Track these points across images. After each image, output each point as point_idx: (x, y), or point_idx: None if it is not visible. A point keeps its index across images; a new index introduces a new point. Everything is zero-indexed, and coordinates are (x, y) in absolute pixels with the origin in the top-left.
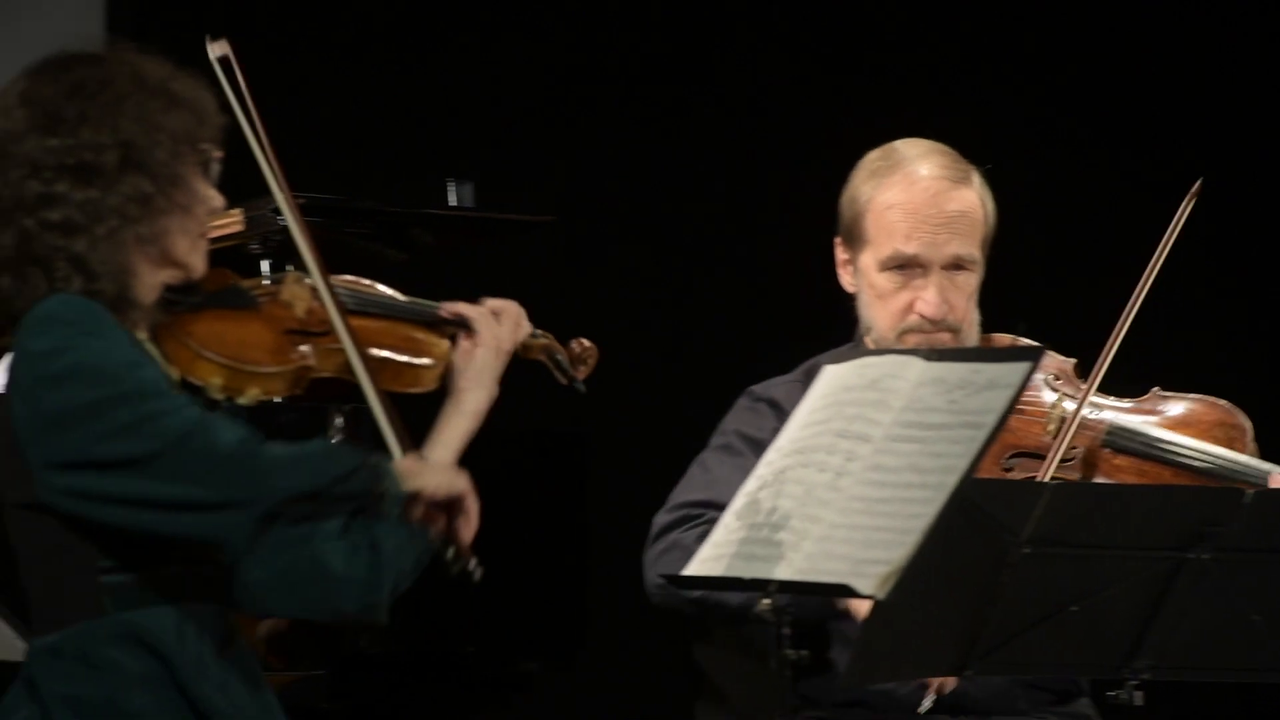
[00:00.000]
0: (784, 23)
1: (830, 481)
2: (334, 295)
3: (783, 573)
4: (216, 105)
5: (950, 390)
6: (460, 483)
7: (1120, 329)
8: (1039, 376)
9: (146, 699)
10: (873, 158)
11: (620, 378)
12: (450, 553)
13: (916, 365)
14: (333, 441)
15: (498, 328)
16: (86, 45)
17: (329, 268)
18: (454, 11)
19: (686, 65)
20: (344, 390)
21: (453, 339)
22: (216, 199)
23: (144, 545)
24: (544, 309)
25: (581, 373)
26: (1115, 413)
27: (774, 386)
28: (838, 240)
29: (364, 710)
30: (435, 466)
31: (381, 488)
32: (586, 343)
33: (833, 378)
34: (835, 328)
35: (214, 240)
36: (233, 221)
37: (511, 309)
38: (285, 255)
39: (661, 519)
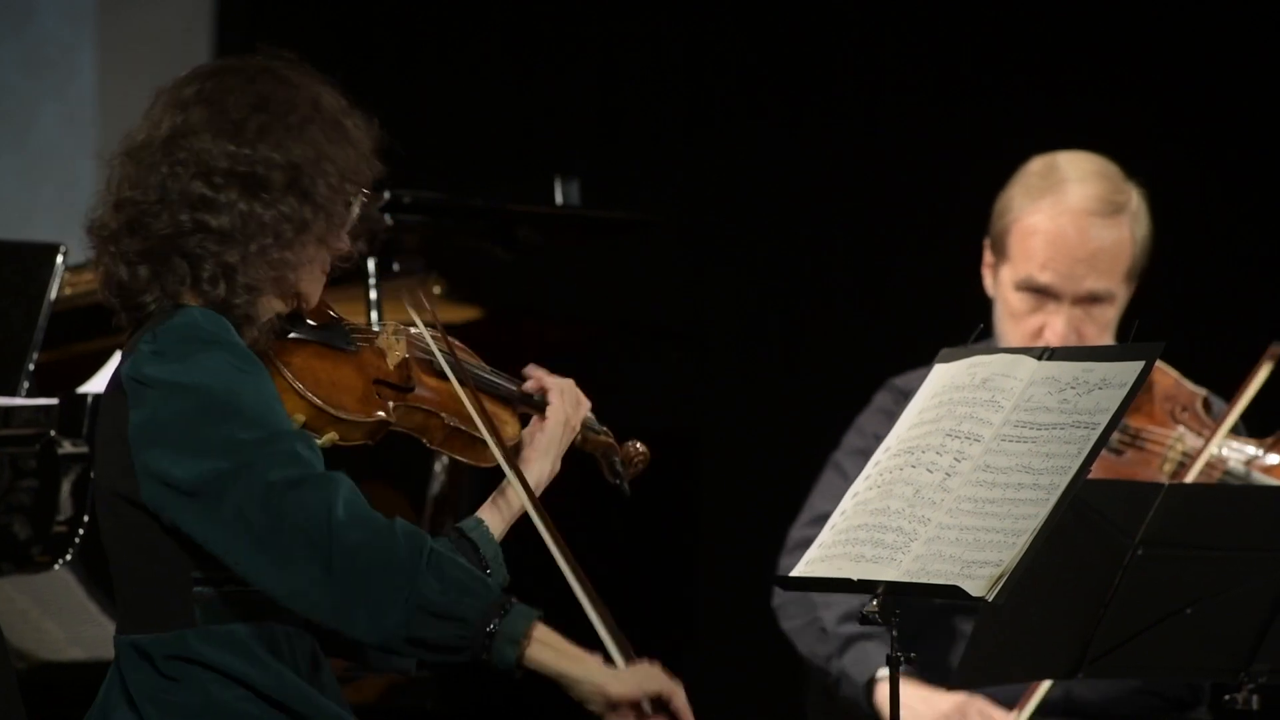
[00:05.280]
0: (902, 19)
1: (939, 482)
2: (462, 368)
3: (891, 574)
4: (377, 149)
5: (1062, 389)
6: (660, 682)
7: (1258, 373)
8: (1165, 407)
9: (241, 706)
10: (1032, 171)
11: (731, 379)
12: None
13: (1028, 364)
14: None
15: (567, 403)
16: (272, 60)
17: (432, 266)
18: (561, 8)
19: (802, 59)
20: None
21: (524, 417)
22: (348, 243)
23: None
24: (651, 310)
25: (630, 474)
26: (1236, 454)
27: (916, 379)
28: (986, 242)
29: (470, 712)
30: (635, 670)
31: (499, 627)
32: (641, 447)
33: (943, 377)
34: (964, 324)
35: None
36: None
37: (571, 386)
38: (389, 252)
39: (797, 533)
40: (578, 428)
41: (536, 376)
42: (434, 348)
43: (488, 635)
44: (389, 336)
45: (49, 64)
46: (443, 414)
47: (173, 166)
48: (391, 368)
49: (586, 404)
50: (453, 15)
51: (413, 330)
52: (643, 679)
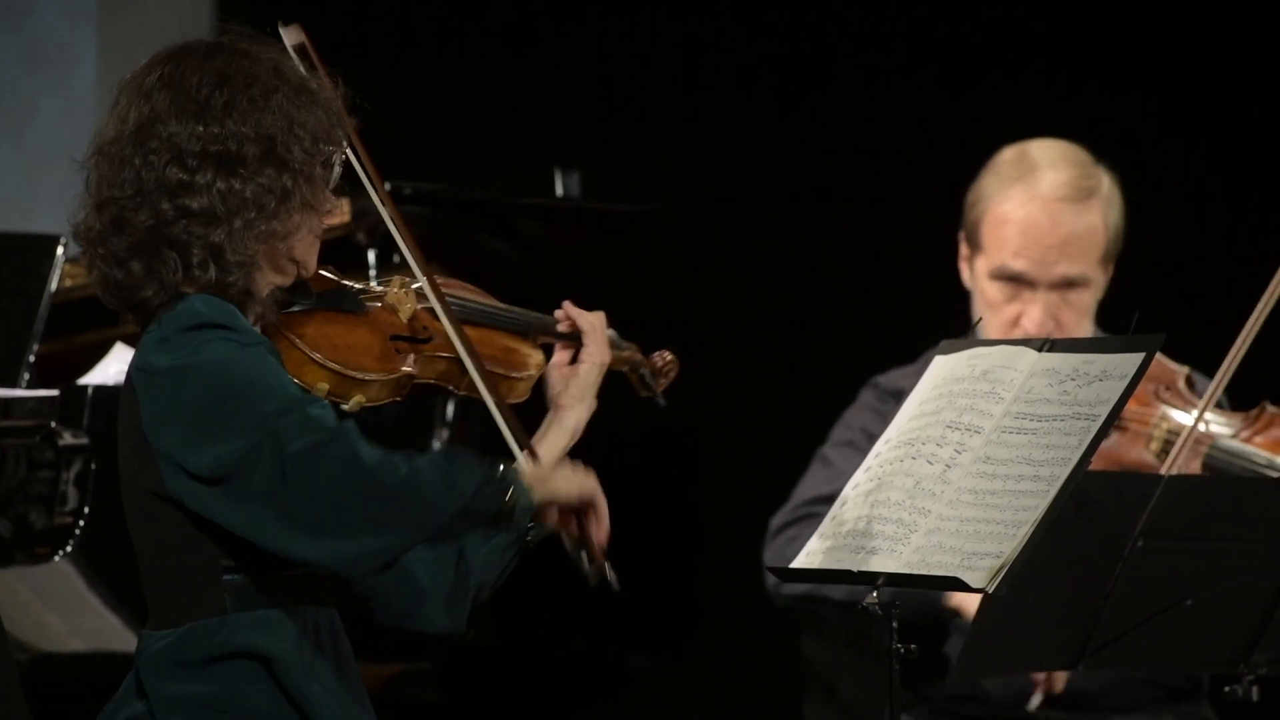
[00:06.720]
0: (902, 15)
1: (939, 474)
2: (445, 304)
3: (891, 565)
4: (346, 109)
5: (1063, 381)
6: (590, 485)
7: (1241, 346)
8: (1148, 387)
9: (256, 700)
10: (1004, 160)
11: (731, 372)
12: (584, 560)
13: (1028, 356)
14: (453, 453)
15: (600, 343)
16: (226, 38)
17: (431, 258)
18: (562, 1)
19: (802, 54)
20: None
21: (546, 349)
22: (334, 201)
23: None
24: (651, 302)
25: (662, 385)
26: (1221, 429)
27: (900, 378)
28: (961, 235)
29: (473, 704)
30: (564, 471)
31: (512, 501)
32: (669, 355)
33: (943, 369)
34: (953, 317)
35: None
36: (339, 213)
37: (601, 323)
38: (391, 245)
39: (779, 519)
40: (608, 362)
41: (571, 316)
42: (431, 295)
43: (508, 498)
44: (396, 291)
45: (48, 59)
46: (477, 352)
47: (145, 157)
48: (405, 321)
49: (608, 331)
50: (453, 7)
51: (414, 285)
52: (581, 481)
